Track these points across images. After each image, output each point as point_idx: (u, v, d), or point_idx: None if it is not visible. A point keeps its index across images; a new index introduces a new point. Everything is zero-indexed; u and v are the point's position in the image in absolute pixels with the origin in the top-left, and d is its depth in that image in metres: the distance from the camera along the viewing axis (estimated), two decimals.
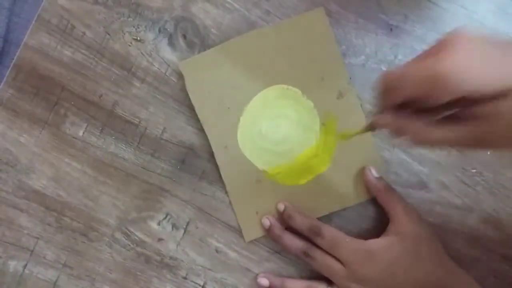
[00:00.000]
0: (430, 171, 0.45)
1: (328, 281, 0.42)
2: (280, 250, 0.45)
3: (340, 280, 0.41)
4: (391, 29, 0.45)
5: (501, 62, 0.28)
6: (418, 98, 0.30)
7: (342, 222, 0.45)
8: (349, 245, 0.41)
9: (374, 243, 0.41)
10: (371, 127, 0.36)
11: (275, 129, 0.44)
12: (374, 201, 0.44)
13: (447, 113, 0.32)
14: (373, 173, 0.43)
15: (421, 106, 0.30)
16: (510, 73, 0.27)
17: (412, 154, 0.44)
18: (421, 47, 0.44)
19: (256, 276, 0.45)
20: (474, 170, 0.44)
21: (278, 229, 0.43)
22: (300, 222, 0.42)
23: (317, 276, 0.43)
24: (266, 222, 0.44)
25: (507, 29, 0.44)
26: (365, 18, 0.45)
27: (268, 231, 0.44)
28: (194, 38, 0.45)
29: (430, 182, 0.45)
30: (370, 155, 0.44)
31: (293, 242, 0.42)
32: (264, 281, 0.44)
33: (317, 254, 0.41)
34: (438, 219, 0.45)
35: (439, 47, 0.28)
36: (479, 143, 0.30)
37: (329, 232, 0.41)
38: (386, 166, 0.44)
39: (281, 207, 0.44)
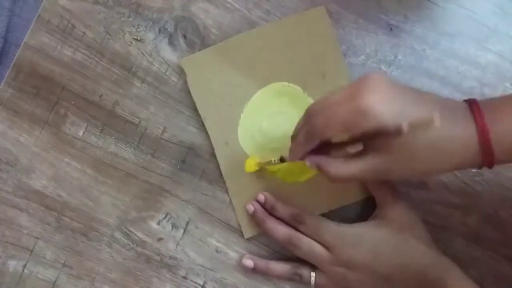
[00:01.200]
0: None
1: (312, 265, 0.42)
2: (280, 249, 0.45)
3: (324, 265, 0.41)
4: (391, 29, 0.45)
5: (402, 105, 0.32)
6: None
7: (341, 221, 0.45)
8: (333, 229, 0.41)
9: (359, 226, 0.41)
10: (285, 160, 0.39)
11: (275, 126, 0.44)
12: (373, 200, 0.44)
13: (351, 150, 0.36)
14: None
15: (328, 143, 0.34)
16: (404, 114, 0.31)
17: None
18: (421, 47, 0.44)
19: (242, 258, 0.44)
20: (474, 170, 0.44)
21: (262, 213, 0.43)
22: (281, 210, 0.43)
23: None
24: (250, 207, 0.44)
25: (507, 29, 0.44)
26: (365, 18, 0.45)
27: (253, 216, 0.44)
28: (194, 38, 0.45)
29: (430, 182, 0.45)
30: None
31: (277, 227, 0.43)
32: (248, 262, 0.44)
33: (301, 239, 0.42)
34: (438, 219, 0.45)
35: (356, 88, 0.32)
36: (380, 173, 0.34)
37: (312, 218, 0.42)
38: None
39: (262, 197, 0.44)
